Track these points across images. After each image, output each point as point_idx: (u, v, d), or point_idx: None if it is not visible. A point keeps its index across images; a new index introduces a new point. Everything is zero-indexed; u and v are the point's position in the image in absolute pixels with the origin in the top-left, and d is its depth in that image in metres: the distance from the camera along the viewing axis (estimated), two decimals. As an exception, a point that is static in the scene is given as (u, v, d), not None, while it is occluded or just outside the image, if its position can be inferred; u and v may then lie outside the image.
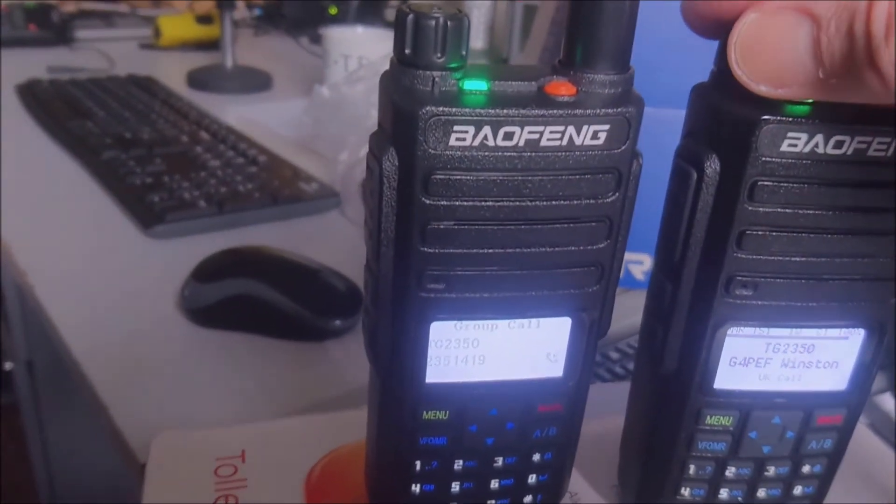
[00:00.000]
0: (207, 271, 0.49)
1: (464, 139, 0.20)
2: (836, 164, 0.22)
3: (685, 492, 0.27)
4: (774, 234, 0.23)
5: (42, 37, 1.04)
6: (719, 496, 0.27)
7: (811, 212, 0.22)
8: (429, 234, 0.21)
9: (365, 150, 0.22)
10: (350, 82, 0.69)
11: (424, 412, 0.25)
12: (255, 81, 0.97)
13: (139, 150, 0.69)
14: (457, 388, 0.24)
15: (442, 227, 0.21)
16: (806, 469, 0.27)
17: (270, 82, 0.98)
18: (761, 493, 0.27)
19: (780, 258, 0.23)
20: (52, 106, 0.80)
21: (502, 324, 0.24)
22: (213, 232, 0.59)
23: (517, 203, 0.21)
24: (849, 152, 0.21)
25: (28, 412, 1.09)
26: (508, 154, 0.21)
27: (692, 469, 0.26)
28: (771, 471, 0.26)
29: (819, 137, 0.21)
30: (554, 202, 0.22)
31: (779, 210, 0.22)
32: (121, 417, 0.40)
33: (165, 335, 0.47)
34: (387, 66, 0.22)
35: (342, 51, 0.82)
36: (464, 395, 0.25)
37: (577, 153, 0.21)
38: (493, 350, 0.24)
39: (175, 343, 0.47)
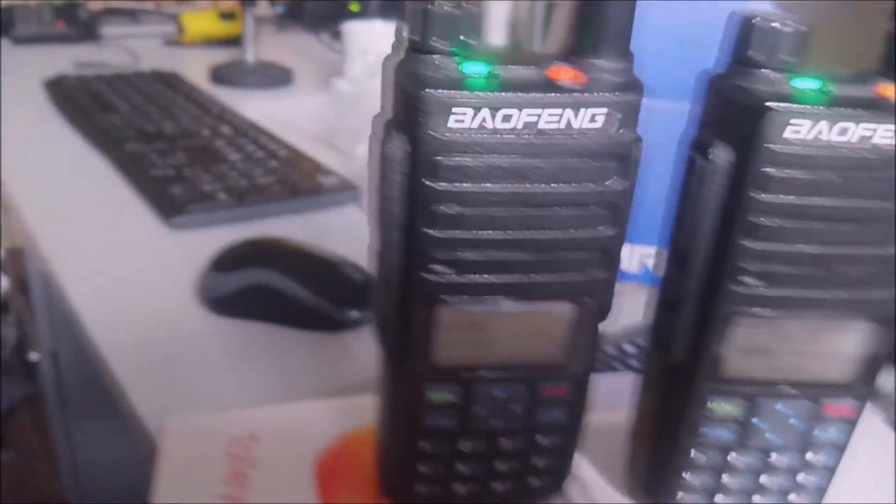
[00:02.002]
0: (227, 261, 0.50)
1: (462, 121, 0.21)
2: (842, 151, 0.22)
3: (691, 479, 0.27)
4: (784, 223, 0.23)
5: (70, 33, 1.06)
6: (725, 484, 0.27)
7: (820, 200, 0.22)
8: (434, 217, 0.22)
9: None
10: (369, 76, 0.69)
11: (432, 394, 0.25)
12: (276, 77, 0.98)
13: (161, 143, 0.70)
14: (464, 370, 0.25)
15: (447, 210, 0.22)
16: (811, 458, 0.27)
17: (291, 78, 0.98)
18: (767, 481, 0.27)
19: (790, 247, 0.23)
20: (78, 100, 0.81)
21: (508, 307, 0.24)
22: (233, 224, 0.59)
23: (520, 187, 0.22)
24: (854, 139, 0.22)
25: (53, 403, 1.11)
26: (508, 137, 0.21)
27: (698, 456, 0.26)
28: (775, 458, 0.26)
29: (823, 124, 0.21)
30: (556, 186, 0.22)
31: (788, 199, 0.22)
32: (139, 403, 0.40)
33: (184, 324, 0.48)
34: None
35: (361, 45, 0.82)
36: (470, 377, 0.25)
37: (577, 137, 0.21)
38: (499, 333, 0.24)
39: (193, 332, 0.47)
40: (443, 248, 0.22)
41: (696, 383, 0.25)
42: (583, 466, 0.30)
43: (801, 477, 0.27)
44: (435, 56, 0.21)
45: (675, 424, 0.26)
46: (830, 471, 0.27)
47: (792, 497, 0.28)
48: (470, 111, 0.21)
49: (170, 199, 0.60)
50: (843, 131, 0.22)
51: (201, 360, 0.45)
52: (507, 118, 0.21)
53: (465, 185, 0.21)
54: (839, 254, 0.23)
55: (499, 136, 0.21)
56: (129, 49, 1.05)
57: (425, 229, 0.22)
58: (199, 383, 0.42)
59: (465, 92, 0.20)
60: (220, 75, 0.96)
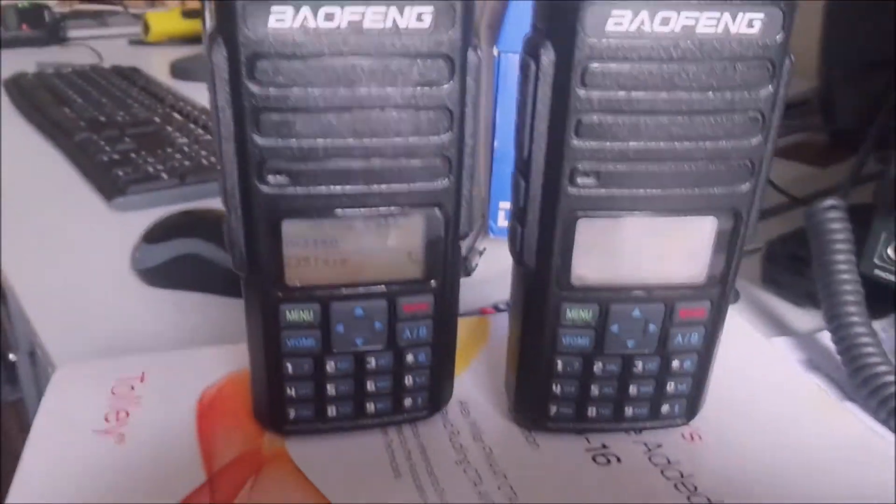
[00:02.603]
0: (156, 232, 0.50)
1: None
2: (665, 41, 0.22)
3: (556, 389, 0.27)
4: (610, 119, 0.23)
5: (35, 37, 1.07)
6: (591, 393, 0.27)
7: (645, 94, 0.23)
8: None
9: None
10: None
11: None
12: (237, 70, 0.98)
13: (111, 131, 0.71)
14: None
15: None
16: (676, 365, 0.27)
17: (252, 70, 0.99)
18: (633, 390, 0.27)
19: (619, 144, 0.23)
20: (35, 96, 0.82)
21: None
22: (177, 204, 0.60)
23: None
24: (677, 29, 0.22)
25: (33, 404, 1.11)
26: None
27: (560, 365, 0.26)
28: (640, 367, 0.27)
29: (644, 14, 0.22)
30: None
31: (612, 94, 0.23)
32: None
33: (118, 296, 0.48)
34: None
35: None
36: (328, 295, 0.25)
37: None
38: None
39: (127, 303, 0.48)
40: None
41: (550, 291, 0.25)
42: (466, 388, 0.31)
43: (669, 386, 0.27)
44: None
45: (536, 335, 0.26)
46: (694, 377, 0.27)
47: (665, 409, 0.28)
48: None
49: (113, 181, 0.61)
50: (666, 21, 0.22)
51: (133, 330, 0.45)
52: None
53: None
54: (670, 148, 0.23)
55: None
56: (93, 50, 1.06)
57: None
58: (129, 351, 0.43)
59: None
60: (181, 69, 0.96)
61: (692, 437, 0.28)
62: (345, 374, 0.27)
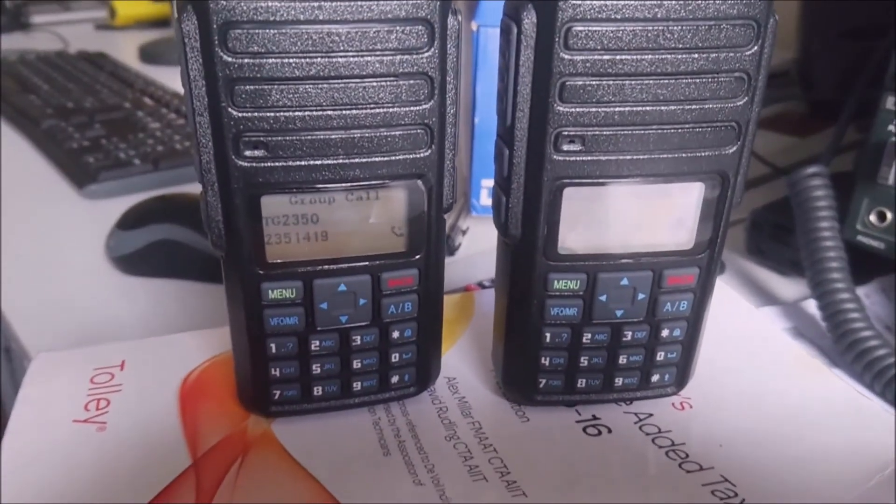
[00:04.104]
0: (130, 219, 0.49)
1: None
2: (650, 2, 0.21)
3: (545, 361, 0.27)
4: (594, 82, 0.22)
5: (-4, 23, 1.05)
6: (580, 364, 0.27)
7: (629, 56, 0.22)
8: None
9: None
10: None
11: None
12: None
13: (80, 117, 0.69)
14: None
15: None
16: (665, 333, 0.27)
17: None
18: (622, 359, 0.27)
19: (604, 108, 0.23)
20: (-1, 84, 0.80)
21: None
22: (151, 190, 0.59)
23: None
24: None
25: (9, 399, 1.09)
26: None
27: (548, 337, 0.26)
28: (629, 335, 0.26)
29: None
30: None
31: (596, 57, 0.22)
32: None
33: (93, 285, 0.47)
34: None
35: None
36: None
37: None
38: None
39: (102, 292, 0.47)
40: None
41: (536, 261, 0.25)
42: (453, 365, 0.30)
43: (659, 355, 0.27)
44: None
45: (523, 307, 0.26)
46: (683, 345, 0.27)
47: (655, 378, 0.28)
48: None
49: (83, 168, 0.59)
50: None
51: (109, 318, 0.44)
52: None
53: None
54: (656, 111, 0.23)
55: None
56: (58, 35, 1.04)
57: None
58: (105, 340, 0.42)
59: None
60: (150, 54, 0.95)
61: (682, 406, 0.28)
62: (330, 351, 0.26)
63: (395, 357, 0.27)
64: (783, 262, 0.46)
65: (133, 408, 0.28)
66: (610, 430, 0.27)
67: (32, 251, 0.51)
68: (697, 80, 0.23)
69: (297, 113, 0.22)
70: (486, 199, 0.51)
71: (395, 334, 0.26)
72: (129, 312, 0.44)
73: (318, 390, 0.27)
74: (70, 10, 1.13)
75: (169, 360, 0.30)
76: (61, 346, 0.40)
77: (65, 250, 0.51)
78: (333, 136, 0.23)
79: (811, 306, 0.40)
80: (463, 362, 0.31)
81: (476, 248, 0.50)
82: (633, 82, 0.22)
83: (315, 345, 0.26)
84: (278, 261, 0.24)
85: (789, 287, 0.45)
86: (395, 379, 0.27)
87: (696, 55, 0.22)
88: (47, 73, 0.83)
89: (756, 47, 0.23)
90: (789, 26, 0.66)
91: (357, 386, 0.27)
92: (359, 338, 0.26)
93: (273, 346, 0.25)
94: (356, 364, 0.26)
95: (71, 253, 0.51)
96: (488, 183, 0.51)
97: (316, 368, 0.26)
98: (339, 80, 0.22)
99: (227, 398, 0.28)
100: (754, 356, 0.31)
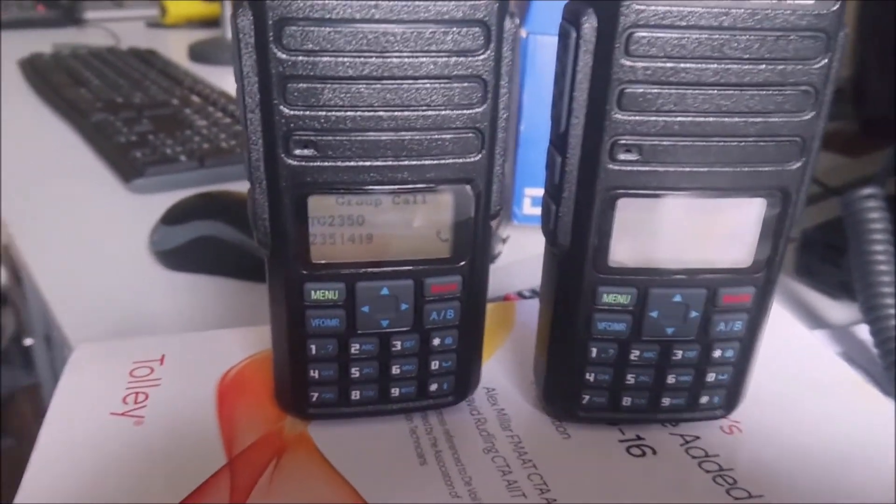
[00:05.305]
0: (174, 214, 0.49)
1: None
2: (715, 8, 0.21)
3: (590, 377, 0.26)
4: (655, 90, 0.22)
5: (50, 17, 1.07)
6: (626, 382, 0.26)
7: (693, 64, 0.21)
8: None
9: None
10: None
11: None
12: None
13: (129, 112, 0.70)
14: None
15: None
16: (717, 354, 0.26)
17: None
18: (671, 379, 0.26)
19: (663, 118, 0.22)
20: (51, 77, 0.81)
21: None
22: (196, 187, 0.59)
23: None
24: None
25: (49, 389, 1.11)
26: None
27: (594, 352, 0.25)
28: (679, 355, 0.25)
29: None
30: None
31: (658, 64, 0.21)
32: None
33: (135, 278, 0.48)
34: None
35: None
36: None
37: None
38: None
39: (144, 285, 0.47)
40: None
41: (585, 273, 0.24)
42: (492, 375, 0.30)
43: (710, 376, 0.26)
44: None
45: (569, 320, 0.25)
46: (735, 367, 0.26)
47: (704, 400, 0.27)
48: None
49: (130, 163, 0.60)
50: (717, -11, 0.21)
51: (151, 315, 0.44)
52: None
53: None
54: (718, 123, 0.22)
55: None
56: (110, 31, 1.06)
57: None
58: (145, 334, 0.42)
59: None
60: (199, 53, 0.96)
61: (731, 430, 0.27)
62: (369, 355, 0.26)
63: (434, 364, 0.26)
64: (834, 284, 0.44)
65: (171, 403, 0.27)
66: (654, 452, 0.26)
67: (78, 242, 0.52)
68: (762, 93, 0.22)
69: (348, 113, 0.22)
70: (528, 208, 0.51)
71: (436, 341, 0.26)
72: (169, 307, 0.45)
73: (356, 394, 0.26)
74: (122, 7, 1.15)
75: (208, 356, 0.30)
76: (100, 338, 0.40)
77: (109, 243, 0.52)
78: (383, 138, 0.22)
79: (862, 331, 0.39)
80: (502, 373, 0.30)
81: (516, 257, 0.49)
82: (695, 92, 0.22)
83: (355, 348, 0.25)
84: (322, 262, 0.24)
85: (840, 311, 0.44)
86: (433, 387, 0.27)
87: (763, 66, 0.21)
88: (98, 67, 0.84)
89: (825, 60, 0.22)
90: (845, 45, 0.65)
91: (395, 392, 0.26)
92: (399, 343, 0.25)
93: (313, 347, 0.25)
94: (395, 370, 0.26)
95: (115, 246, 0.51)
96: (531, 192, 0.50)
97: (355, 372, 0.26)
98: (392, 81, 0.21)
99: (264, 398, 0.28)
100: (809, 381, 0.30)
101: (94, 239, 0.52)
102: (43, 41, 0.99)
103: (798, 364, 0.31)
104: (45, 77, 0.81)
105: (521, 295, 0.43)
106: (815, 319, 0.43)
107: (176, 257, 0.48)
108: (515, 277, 0.46)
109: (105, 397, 0.27)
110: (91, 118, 0.69)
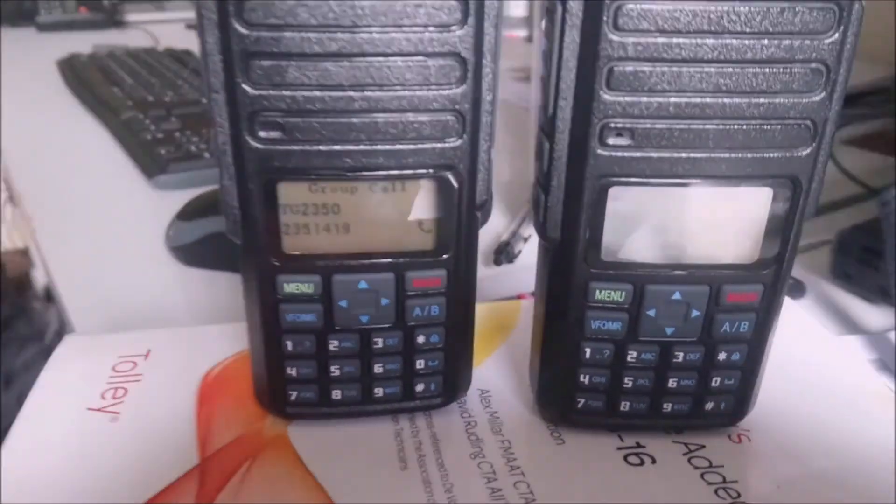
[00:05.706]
0: (190, 210, 0.49)
1: None
2: None
3: (584, 379, 0.24)
4: (647, 68, 0.20)
5: (92, 20, 1.09)
6: (624, 385, 0.24)
7: (688, 39, 0.20)
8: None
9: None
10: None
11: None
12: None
13: (158, 110, 0.70)
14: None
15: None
16: (722, 357, 0.24)
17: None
18: (672, 383, 0.24)
19: (657, 98, 0.20)
20: (87, 76, 0.82)
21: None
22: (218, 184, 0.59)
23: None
24: None
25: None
26: None
27: (588, 352, 0.24)
28: (680, 357, 0.23)
29: None
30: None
31: (649, 39, 0.20)
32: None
33: (148, 273, 0.47)
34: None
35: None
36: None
37: None
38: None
39: (156, 280, 0.47)
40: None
41: (576, 268, 0.23)
42: (489, 376, 0.28)
43: (714, 380, 0.24)
44: None
45: (562, 318, 0.23)
46: (743, 371, 0.24)
47: (709, 406, 0.25)
48: None
49: (155, 159, 0.60)
50: (712, -45, 0.19)
51: (160, 309, 0.44)
52: None
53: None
54: (717, 104, 0.20)
55: None
56: (151, 33, 1.07)
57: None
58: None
59: None
60: (234, 53, 0.96)
61: (739, 439, 0.25)
62: (349, 353, 0.24)
63: (420, 364, 0.25)
64: (871, 288, 0.41)
65: (149, 399, 0.27)
66: (654, 461, 0.24)
67: (96, 236, 0.52)
68: (767, 70, 0.20)
69: (315, 93, 0.20)
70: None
71: (421, 339, 0.24)
72: (181, 302, 0.44)
73: (337, 394, 0.25)
74: (163, 9, 1.16)
75: (195, 352, 0.29)
76: (108, 331, 0.40)
77: (127, 237, 0.52)
78: (355, 120, 0.21)
79: (901, 338, 0.36)
80: (499, 375, 0.28)
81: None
82: (691, 69, 0.20)
83: (334, 345, 0.24)
84: (296, 253, 0.23)
85: (876, 315, 0.41)
86: (420, 387, 0.25)
87: (767, 41, 0.20)
88: (133, 67, 0.85)
89: (837, 35, 0.20)
90: (889, 41, 0.61)
91: (379, 392, 0.25)
92: (381, 340, 0.24)
93: (289, 343, 0.24)
94: (378, 368, 0.25)
95: (132, 240, 0.51)
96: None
97: (334, 370, 0.24)
98: (362, 58, 0.20)
99: (247, 396, 0.27)
100: (826, 389, 0.28)
101: (113, 233, 0.52)
102: (84, 43, 1.01)
103: (819, 371, 0.29)
104: (81, 76, 0.82)
105: (534, 294, 0.41)
106: (850, 324, 0.40)
107: (191, 253, 0.48)
108: (534, 278, 0.45)
109: (84, 391, 0.27)
110: (121, 116, 0.69)
